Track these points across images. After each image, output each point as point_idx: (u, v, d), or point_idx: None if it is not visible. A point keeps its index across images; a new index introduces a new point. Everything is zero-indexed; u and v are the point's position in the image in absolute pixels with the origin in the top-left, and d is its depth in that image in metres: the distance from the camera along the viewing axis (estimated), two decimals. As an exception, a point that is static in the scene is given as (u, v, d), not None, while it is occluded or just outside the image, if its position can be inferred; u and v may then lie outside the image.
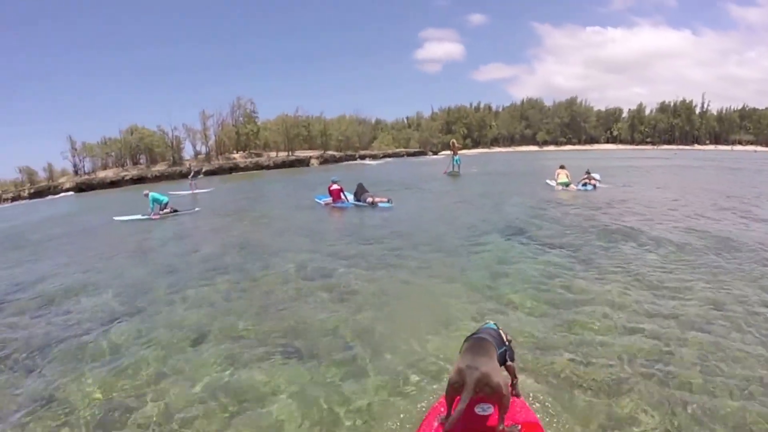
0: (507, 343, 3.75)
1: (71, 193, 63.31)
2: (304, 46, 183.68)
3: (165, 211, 19.27)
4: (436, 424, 3.35)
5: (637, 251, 8.92)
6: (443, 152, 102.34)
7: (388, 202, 16.75)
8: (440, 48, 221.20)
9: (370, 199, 16.92)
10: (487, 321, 4.05)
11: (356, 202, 17.44)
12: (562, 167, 20.54)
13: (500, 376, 3.22)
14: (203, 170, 72.62)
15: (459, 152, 32.78)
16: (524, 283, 7.17)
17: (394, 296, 7.05)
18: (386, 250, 9.99)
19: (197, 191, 32.29)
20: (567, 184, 19.63)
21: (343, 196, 17.70)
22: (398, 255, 9.46)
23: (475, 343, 3.46)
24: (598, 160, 48.82)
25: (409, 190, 23.60)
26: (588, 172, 20.60)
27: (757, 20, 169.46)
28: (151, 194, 19.39)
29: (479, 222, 12.81)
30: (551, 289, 6.90)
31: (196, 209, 21.05)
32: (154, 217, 18.85)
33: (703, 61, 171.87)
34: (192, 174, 33.54)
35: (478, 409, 3.37)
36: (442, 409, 3.40)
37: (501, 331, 3.82)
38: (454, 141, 31.42)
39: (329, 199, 18.10)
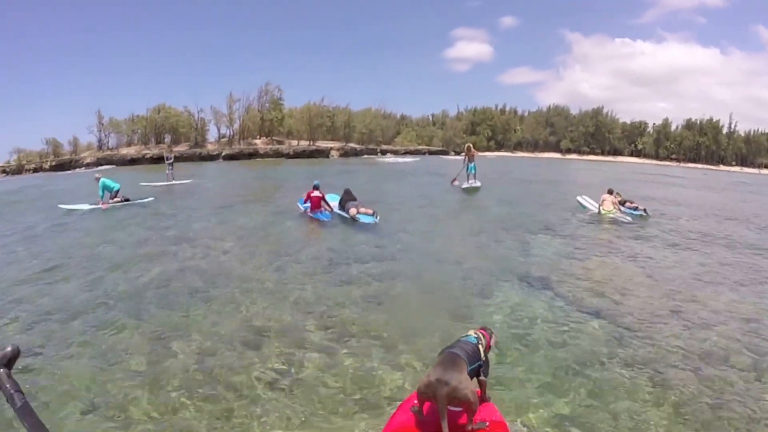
0: (483, 358, 3.81)
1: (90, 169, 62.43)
2: (334, 37, 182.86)
3: (115, 199, 17.87)
4: (411, 409, 3.47)
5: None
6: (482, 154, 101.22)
7: (373, 215, 14.26)
8: (470, 48, 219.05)
9: (353, 210, 14.35)
10: (468, 333, 4.04)
11: (340, 212, 15.09)
12: (609, 192, 17.41)
13: (469, 388, 3.31)
14: (224, 154, 72.72)
15: (477, 156, 25.40)
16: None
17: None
18: (357, 305, 7.36)
19: (174, 182, 28.21)
20: (610, 213, 16.46)
21: (324, 205, 15.09)
22: (370, 320, 6.75)
23: (447, 357, 3.51)
24: (626, 177, 46.88)
25: (409, 202, 20.10)
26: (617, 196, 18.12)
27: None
28: (102, 180, 17.78)
29: (496, 269, 9.55)
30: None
31: (149, 199, 19.24)
32: (102, 206, 17.38)
33: (730, 80, 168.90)
34: (168, 161, 29.20)
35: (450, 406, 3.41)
36: (416, 401, 3.46)
37: (479, 346, 3.84)
38: (470, 145, 25.06)
39: (302, 208, 15.64)
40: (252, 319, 6.77)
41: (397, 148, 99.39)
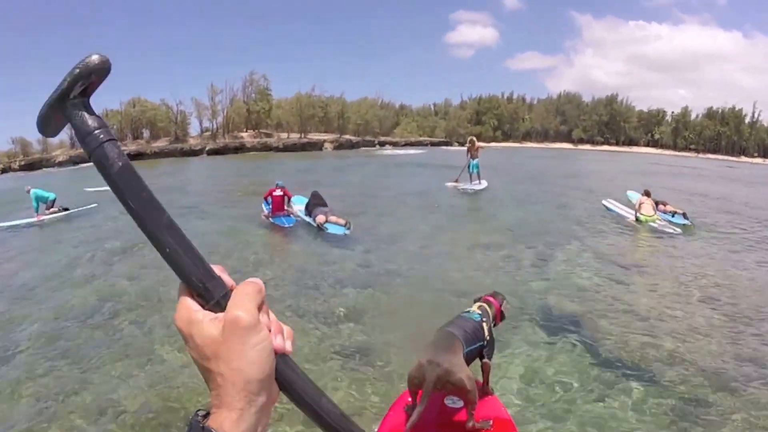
0: (488, 337, 3.53)
1: (68, 167, 59.37)
2: (325, 24, 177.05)
3: (52, 210, 15.97)
4: (403, 413, 3.23)
5: None
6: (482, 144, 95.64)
7: (345, 226, 12.10)
8: (473, 32, 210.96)
9: (321, 218, 12.26)
10: (473, 309, 3.69)
11: (306, 218, 13.14)
12: (647, 194, 14.46)
13: (464, 371, 3.03)
14: (208, 148, 68.01)
15: (482, 148, 22.58)
16: None
17: None
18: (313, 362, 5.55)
19: None
20: (651, 221, 13.58)
21: (287, 208, 13.38)
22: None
23: (440, 337, 3.29)
24: (648, 169, 42.77)
25: (405, 204, 17.19)
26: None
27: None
28: (33, 191, 15.76)
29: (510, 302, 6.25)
30: None
31: (92, 205, 17.06)
32: (38, 219, 15.54)
33: (754, 66, 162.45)
34: None
35: (448, 401, 3.29)
36: (409, 399, 3.19)
37: (483, 323, 3.54)
38: (474, 139, 21.19)
39: (267, 211, 13.65)
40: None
41: (397, 139, 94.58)
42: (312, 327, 6.43)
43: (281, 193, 13.27)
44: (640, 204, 14.12)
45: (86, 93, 0.66)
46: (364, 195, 19.46)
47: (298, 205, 13.92)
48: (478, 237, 12.07)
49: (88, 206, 16.97)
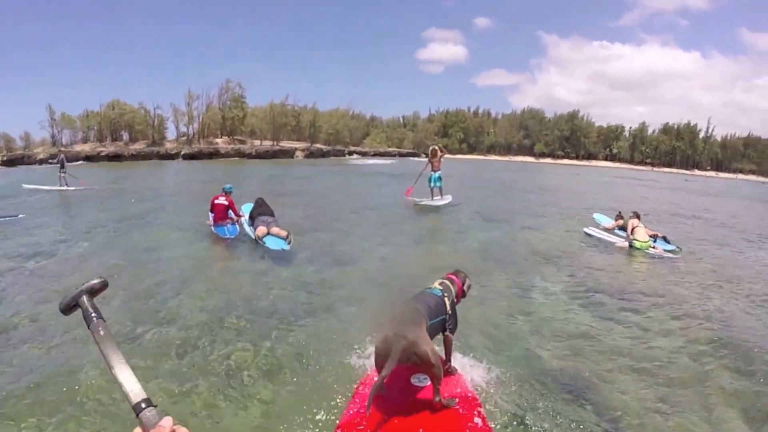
0: (450, 311, 3.63)
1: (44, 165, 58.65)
2: (302, 34, 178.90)
3: None
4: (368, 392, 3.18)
5: None
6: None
7: (285, 239, 10.25)
8: (444, 49, 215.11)
9: (261, 230, 10.50)
10: (434, 286, 3.81)
11: (248, 228, 11.42)
12: (636, 216, 12.80)
13: (428, 345, 3.09)
14: (183, 153, 68.36)
15: (445, 158, 19.10)
16: None
17: None
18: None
19: (67, 188, 22.33)
20: (646, 247, 11.89)
21: (231, 216, 11.66)
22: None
23: (405, 311, 3.31)
24: (612, 181, 44.96)
25: (367, 218, 15.29)
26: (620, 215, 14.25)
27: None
28: None
29: (481, 348, 5.46)
30: None
31: (20, 216, 14.32)
32: None
33: (710, 85, 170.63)
34: (59, 163, 23.17)
35: (414, 380, 3.34)
36: (375, 378, 3.16)
37: (445, 298, 3.66)
38: (437, 148, 18.42)
39: (212, 219, 11.94)
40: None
41: (366, 149, 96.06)
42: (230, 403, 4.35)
43: (225, 201, 11.65)
44: (632, 228, 12.37)
45: (93, 294, 1.36)
46: (323, 206, 17.95)
47: (246, 213, 12.20)
48: (442, 260, 9.86)
49: (16, 216, 14.33)
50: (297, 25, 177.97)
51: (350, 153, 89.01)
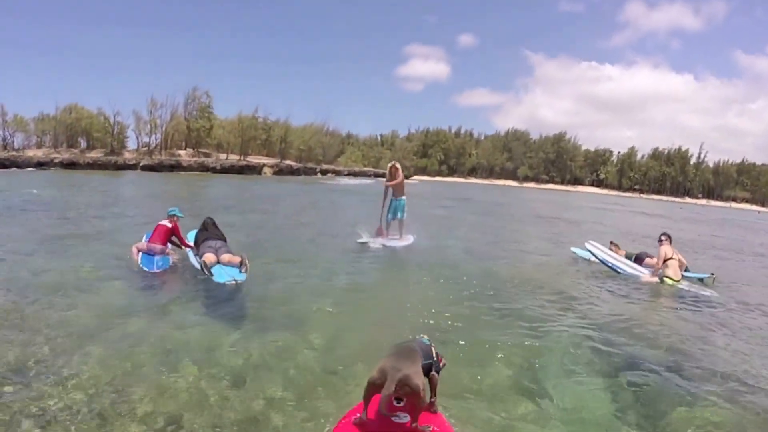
0: (435, 357, 3.73)
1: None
2: (273, 44, 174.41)
3: None
4: (353, 422, 3.36)
5: None
6: (414, 178, 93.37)
7: (239, 267, 7.68)
8: (425, 66, 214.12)
9: (209, 257, 7.82)
10: (422, 335, 4.07)
11: (194, 258, 8.65)
12: (667, 239, 9.92)
13: (421, 380, 3.23)
14: (142, 164, 64.38)
15: (407, 183, 13.97)
16: None
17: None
18: None
19: None
20: (678, 283, 9.29)
21: (169, 246, 9.10)
22: None
23: (402, 348, 3.51)
24: (605, 208, 41.45)
25: (327, 251, 11.58)
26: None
27: (764, 70, 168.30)
28: None
29: None
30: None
31: None
32: None
33: (702, 108, 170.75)
34: None
35: (394, 418, 3.34)
36: (358, 414, 3.37)
37: (432, 347, 3.79)
38: (397, 165, 13.04)
39: (142, 244, 9.44)
40: None
41: (340, 168, 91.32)
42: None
43: (168, 224, 9.21)
44: (664, 260, 9.64)
45: None
46: (283, 233, 14.40)
47: (191, 240, 9.58)
48: (423, 315, 6.80)
49: None
50: (270, 36, 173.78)
51: (323, 172, 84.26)
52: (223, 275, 7.43)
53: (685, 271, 10.04)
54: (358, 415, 3.33)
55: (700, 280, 9.85)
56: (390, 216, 12.59)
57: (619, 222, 28.71)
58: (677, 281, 9.31)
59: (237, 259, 7.96)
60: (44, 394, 4.21)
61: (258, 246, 11.38)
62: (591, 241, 11.96)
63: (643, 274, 10.07)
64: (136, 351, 5.07)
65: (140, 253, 8.99)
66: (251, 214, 18.13)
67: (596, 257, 11.09)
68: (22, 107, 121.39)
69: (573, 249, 12.93)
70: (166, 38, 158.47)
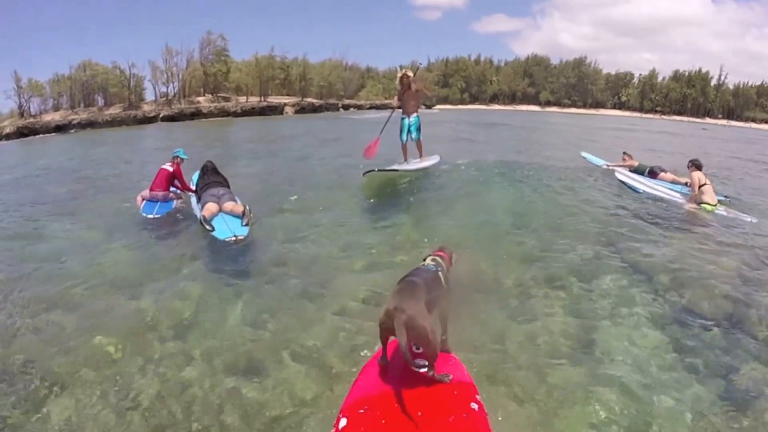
0: (444, 286, 3.65)
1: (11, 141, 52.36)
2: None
3: None
4: (376, 367, 3.37)
5: None
6: (437, 108, 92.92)
7: (242, 218, 7.37)
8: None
9: (211, 207, 7.53)
10: (427, 262, 3.83)
11: (195, 205, 8.46)
12: (697, 166, 9.63)
13: (427, 320, 3.12)
14: (162, 115, 63.83)
15: (421, 92, 11.92)
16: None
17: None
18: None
19: None
20: (715, 208, 9.15)
21: (172, 189, 9.07)
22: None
23: (405, 285, 3.32)
24: (626, 128, 41.38)
25: (335, 197, 10.21)
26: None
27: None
28: None
29: None
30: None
31: None
32: None
33: (721, 32, 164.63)
34: None
35: (413, 366, 3.26)
36: (379, 359, 3.38)
37: (440, 273, 3.69)
38: (409, 73, 11.28)
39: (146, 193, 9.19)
40: None
41: (361, 102, 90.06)
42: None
43: (170, 168, 9.04)
44: (698, 184, 9.33)
45: None
46: (299, 175, 13.25)
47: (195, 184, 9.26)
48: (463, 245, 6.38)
49: None
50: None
51: (345, 107, 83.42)
52: (224, 230, 7.01)
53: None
54: (381, 357, 3.35)
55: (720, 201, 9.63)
56: (403, 137, 11.21)
57: (651, 143, 28.02)
58: (715, 206, 9.18)
59: (240, 209, 7.58)
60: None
61: (273, 191, 10.86)
62: (608, 163, 12.88)
63: (677, 198, 9.91)
64: (120, 325, 4.88)
65: (144, 201, 8.89)
66: (269, 159, 17.21)
67: (626, 184, 10.88)
68: (36, 70, 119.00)
69: (583, 154, 13.86)
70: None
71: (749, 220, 8.75)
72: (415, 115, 11.19)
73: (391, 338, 3.20)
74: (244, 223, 7.24)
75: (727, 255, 6.76)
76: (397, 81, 11.21)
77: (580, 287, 5.54)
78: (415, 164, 11.31)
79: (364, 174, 9.82)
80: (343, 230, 7.85)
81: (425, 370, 3.16)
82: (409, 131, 11.15)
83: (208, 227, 7.08)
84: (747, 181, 13.91)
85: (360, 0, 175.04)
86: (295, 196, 10.06)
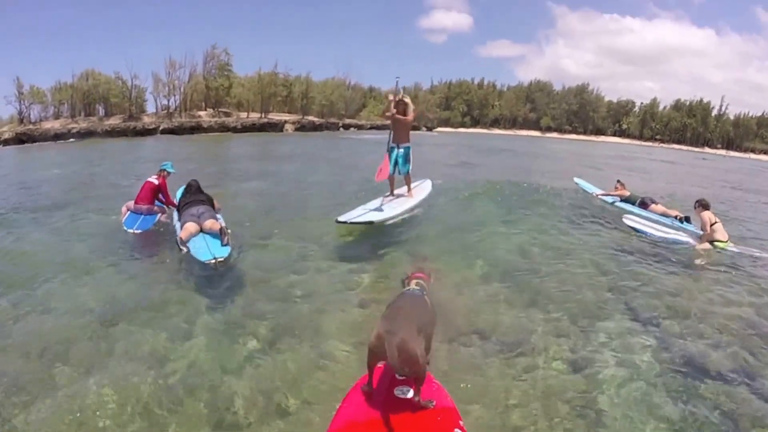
0: (430, 307, 3.67)
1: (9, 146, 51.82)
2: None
3: None
4: (361, 394, 3.35)
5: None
6: (437, 130, 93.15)
7: (220, 236, 6.89)
8: (447, 17, 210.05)
9: (190, 227, 7.04)
10: (412, 286, 3.88)
11: (177, 222, 7.91)
12: (704, 206, 9.21)
13: (418, 345, 3.13)
14: (162, 128, 63.44)
15: (411, 118, 9.87)
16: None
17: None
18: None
19: None
20: (729, 246, 8.88)
21: (157, 203, 8.98)
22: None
23: (395, 310, 3.38)
24: (628, 157, 40.87)
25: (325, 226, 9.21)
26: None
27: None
28: None
29: None
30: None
31: None
32: None
33: (723, 63, 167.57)
34: None
35: (398, 392, 3.34)
36: (364, 385, 3.37)
37: (426, 298, 3.72)
38: (406, 99, 9.75)
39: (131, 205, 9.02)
40: None
41: (362, 122, 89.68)
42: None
43: (155, 181, 8.92)
44: (711, 223, 8.99)
45: None
46: (291, 199, 12.78)
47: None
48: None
49: None
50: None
51: (345, 126, 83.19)
52: (204, 252, 6.50)
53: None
54: (365, 384, 3.32)
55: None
56: (390, 169, 9.71)
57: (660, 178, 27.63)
58: (726, 242, 8.91)
59: (218, 226, 7.16)
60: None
61: (262, 214, 10.53)
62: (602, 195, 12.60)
63: (686, 237, 9.41)
64: (79, 351, 4.62)
65: (128, 213, 8.75)
66: (263, 179, 16.34)
67: (636, 230, 9.81)
68: (39, 77, 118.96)
69: (576, 180, 13.57)
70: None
71: (759, 254, 8.56)
72: (406, 144, 9.92)
73: (379, 363, 3.26)
74: (224, 243, 6.81)
75: (740, 296, 6.47)
76: (391, 105, 9.62)
77: (580, 335, 5.15)
78: (400, 206, 9.66)
79: (337, 222, 8.28)
80: (328, 260, 7.42)
81: (411, 395, 3.20)
82: (396, 162, 9.85)
83: (184, 249, 6.67)
84: (758, 215, 13.86)
85: (367, 20, 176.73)
86: (284, 221, 9.76)
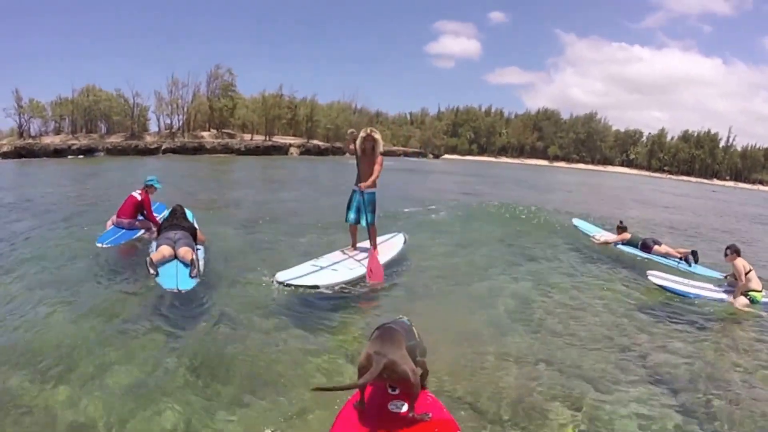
0: (417, 337, 3.69)
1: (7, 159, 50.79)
2: (301, 19, 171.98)
3: None
4: (354, 411, 3.28)
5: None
6: (444, 156, 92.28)
7: (189, 268, 6.30)
8: (455, 43, 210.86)
9: (164, 249, 6.56)
10: (401, 316, 3.94)
11: (154, 242, 7.23)
12: (736, 252, 8.00)
13: (408, 365, 3.15)
14: (164, 147, 62.60)
15: (380, 159, 7.56)
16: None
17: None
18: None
19: None
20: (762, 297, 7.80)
21: (139, 219, 8.56)
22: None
23: (384, 331, 3.36)
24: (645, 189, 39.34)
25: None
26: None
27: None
28: None
29: None
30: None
31: None
32: None
33: (730, 92, 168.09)
34: None
35: (392, 407, 3.30)
36: (355, 402, 3.31)
37: (413, 328, 3.74)
38: (375, 135, 7.55)
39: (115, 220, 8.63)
40: None
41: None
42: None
43: (138, 196, 8.52)
44: (746, 272, 7.84)
45: None
46: (283, 233, 10.98)
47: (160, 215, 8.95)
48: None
49: None
50: (296, 10, 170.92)
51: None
52: (170, 279, 6.12)
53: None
54: (357, 402, 3.29)
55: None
56: (350, 217, 7.74)
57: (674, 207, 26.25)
58: (761, 292, 7.89)
59: (190, 256, 6.60)
60: None
61: (248, 249, 9.48)
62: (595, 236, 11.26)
63: (721, 293, 8.19)
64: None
65: (111, 227, 8.49)
66: (258, 208, 15.22)
67: (666, 289, 8.23)
68: (38, 91, 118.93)
69: (575, 222, 12.30)
70: (187, 15, 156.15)
71: None
72: (373, 190, 7.65)
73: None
74: (192, 275, 6.27)
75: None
76: (358, 141, 7.52)
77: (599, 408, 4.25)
78: (360, 266, 7.29)
79: (276, 283, 6.29)
80: (304, 305, 6.33)
81: (405, 410, 3.20)
82: (358, 210, 7.68)
83: (152, 271, 6.19)
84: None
85: (376, 44, 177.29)
86: (269, 256, 8.66)
